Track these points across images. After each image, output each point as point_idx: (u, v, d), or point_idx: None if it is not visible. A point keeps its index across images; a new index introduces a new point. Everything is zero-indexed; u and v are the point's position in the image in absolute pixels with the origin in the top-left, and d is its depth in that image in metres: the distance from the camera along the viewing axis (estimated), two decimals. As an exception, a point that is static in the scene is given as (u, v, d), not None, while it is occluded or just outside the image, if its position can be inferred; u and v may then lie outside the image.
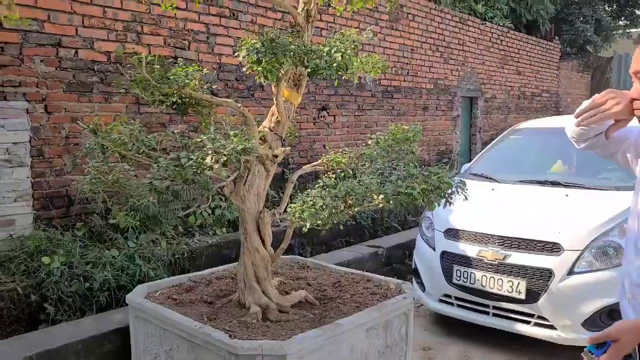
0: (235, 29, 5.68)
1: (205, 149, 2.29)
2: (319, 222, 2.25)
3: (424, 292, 4.42)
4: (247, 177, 2.82)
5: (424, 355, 4.01)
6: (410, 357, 2.99)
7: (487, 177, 4.79)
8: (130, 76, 2.62)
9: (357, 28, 7.43)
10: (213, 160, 2.24)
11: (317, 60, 2.46)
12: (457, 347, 4.16)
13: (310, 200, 2.33)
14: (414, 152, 3.01)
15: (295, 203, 2.39)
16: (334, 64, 2.42)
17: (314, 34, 3.02)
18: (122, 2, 4.59)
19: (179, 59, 5.11)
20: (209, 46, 5.43)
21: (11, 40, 3.93)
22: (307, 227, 2.29)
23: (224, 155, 2.30)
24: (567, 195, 4.20)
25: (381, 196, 2.28)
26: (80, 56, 4.34)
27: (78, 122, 3.03)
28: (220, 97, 5.45)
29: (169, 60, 4.97)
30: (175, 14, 4.98)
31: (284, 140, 3.06)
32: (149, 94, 2.62)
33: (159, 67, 2.57)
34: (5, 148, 3.94)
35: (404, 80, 8.42)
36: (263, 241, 2.87)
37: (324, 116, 6.95)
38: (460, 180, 2.47)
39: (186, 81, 2.54)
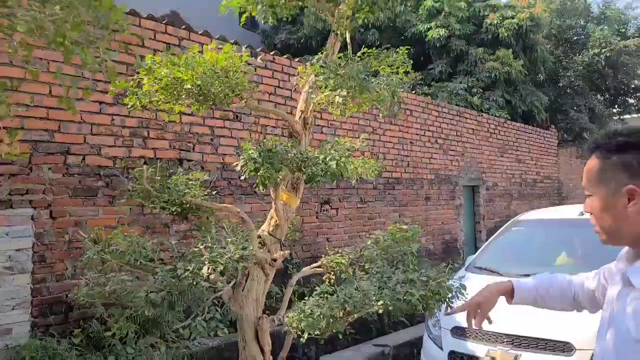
0: (239, 130, 5.89)
1: (202, 258, 2.30)
2: (317, 332, 2.20)
3: (434, 395, 4.21)
4: (245, 282, 2.80)
5: None
6: None
7: (491, 271, 4.72)
8: (132, 187, 2.68)
9: (356, 124, 7.71)
10: (209, 270, 2.24)
11: (313, 168, 2.53)
12: None
13: (308, 309, 2.29)
14: (413, 253, 3.00)
15: (293, 312, 2.35)
16: (329, 172, 2.48)
17: (314, 132, 3.13)
18: (129, 111, 4.80)
19: (183, 161, 5.29)
20: (213, 147, 5.60)
21: (21, 151, 4.07)
22: (305, 337, 2.24)
23: (221, 264, 2.30)
24: (574, 289, 4.11)
25: (380, 302, 2.24)
26: (87, 162, 4.48)
27: (79, 231, 3.06)
28: (223, 194, 5.55)
29: (173, 163, 5.12)
30: (180, 119, 5.20)
31: (283, 243, 3.07)
32: (150, 203, 2.67)
33: (159, 177, 2.64)
34: (7, 255, 3.96)
35: (405, 172, 8.56)
36: (262, 350, 2.79)
37: (326, 210, 7.00)
38: (461, 284, 2.44)
39: (186, 191, 2.60)
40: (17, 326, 3.98)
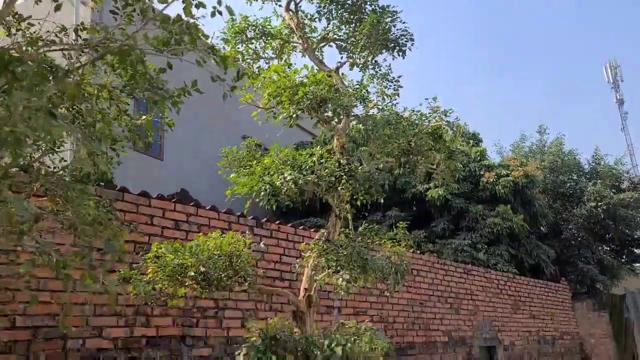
0: (244, 300, 5.80)
1: None
2: None
3: None
4: None
5: None
6: None
7: None
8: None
9: (363, 287, 7.61)
10: None
11: (318, 354, 2.44)
12: None
13: None
14: None
15: None
16: (335, 358, 2.38)
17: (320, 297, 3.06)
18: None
19: (186, 338, 5.13)
20: (217, 320, 5.47)
21: (21, 338, 3.98)
22: None
23: None
24: None
25: None
26: (87, 345, 4.34)
27: None
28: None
29: (176, 341, 4.96)
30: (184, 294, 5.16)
31: None
32: None
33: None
34: None
35: (417, 335, 8.23)
36: None
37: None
38: None
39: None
40: None
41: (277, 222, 6.75)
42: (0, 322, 3.90)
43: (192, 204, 5.72)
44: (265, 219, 6.57)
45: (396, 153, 3.44)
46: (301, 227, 7.07)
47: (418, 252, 9.49)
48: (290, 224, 6.86)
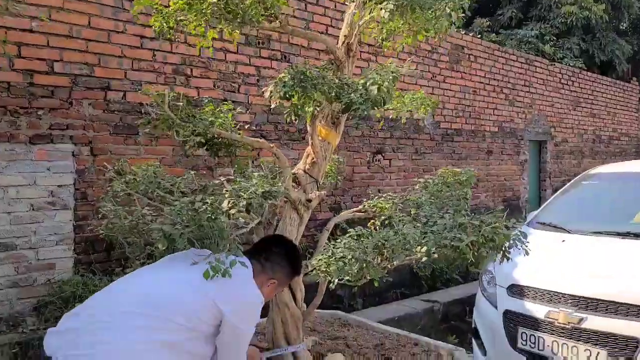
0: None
1: (223, 192, 2.07)
2: (347, 277, 1.93)
3: (484, 356, 3.90)
4: (276, 224, 2.57)
5: None
6: None
7: (557, 227, 4.27)
8: (155, 115, 2.47)
9: (415, 69, 7.20)
10: (230, 204, 2.00)
11: (352, 95, 2.21)
12: None
13: (339, 252, 2.02)
14: (466, 198, 2.65)
15: (322, 255, 2.09)
16: (370, 98, 2.15)
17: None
18: (172, 45, 4.59)
19: (228, 102, 5.07)
20: (259, 89, 5.34)
21: (61, 84, 3.97)
22: (334, 283, 1.98)
23: (244, 198, 2.06)
24: (654, 249, 3.62)
25: (422, 248, 1.94)
26: (128, 99, 4.34)
27: (105, 163, 2.92)
28: (270, 139, 5.32)
29: (217, 103, 4.92)
30: (225, 58, 4.95)
31: (320, 184, 2.80)
32: (174, 133, 2.45)
33: (182, 103, 2.40)
34: (49, 191, 3.93)
35: (466, 123, 8.02)
36: (294, 296, 2.57)
37: (379, 160, 6.66)
38: (521, 231, 2.09)
39: (211, 119, 2.34)
40: (60, 262, 3.98)
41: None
42: (38, 66, 3.86)
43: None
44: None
45: None
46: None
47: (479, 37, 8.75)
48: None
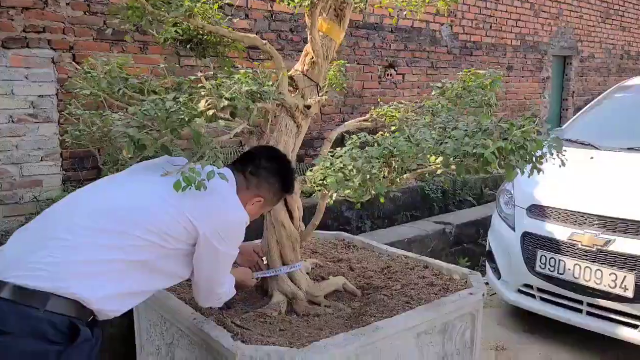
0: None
1: (202, 91, 1.73)
2: (348, 191, 1.62)
3: (499, 279, 3.68)
4: (271, 133, 2.24)
5: (496, 357, 3.31)
6: (475, 369, 2.33)
7: (584, 144, 3.91)
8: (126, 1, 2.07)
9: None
10: (208, 105, 1.66)
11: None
12: (537, 348, 3.43)
13: (339, 162, 1.70)
14: (491, 104, 2.29)
15: (319, 165, 1.77)
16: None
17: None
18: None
19: (224, 6, 4.59)
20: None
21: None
22: (333, 198, 1.67)
23: (226, 99, 1.71)
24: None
25: (438, 157, 1.61)
26: (113, 0, 3.90)
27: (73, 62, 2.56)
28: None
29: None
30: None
31: (320, 88, 2.44)
32: (147, 25, 2.07)
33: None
34: (30, 101, 3.60)
35: (486, 35, 7.42)
36: (291, 215, 2.29)
37: (391, 74, 6.19)
38: (555, 137, 1.74)
39: (188, 3, 1.94)
40: (47, 178, 3.73)
41: None
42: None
43: None
44: None
45: None
46: None
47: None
48: None
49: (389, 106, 2.57)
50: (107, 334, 2.65)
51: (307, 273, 2.47)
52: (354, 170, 1.61)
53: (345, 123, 2.50)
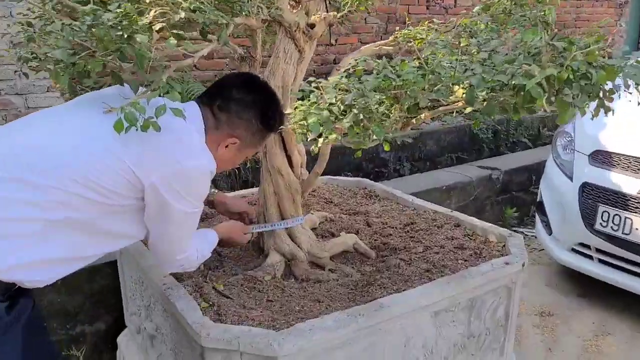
0: None
1: None
2: (334, 135, 1.20)
3: (550, 235, 3.21)
4: (267, 60, 1.82)
5: (541, 324, 2.90)
6: (510, 351, 1.94)
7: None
8: None
9: None
10: (155, 14, 1.26)
11: None
12: (590, 315, 2.98)
13: (329, 97, 1.27)
14: (548, 23, 1.75)
15: (305, 100, 1.34)
16: None
17: None
18: None
19: None
20: None
21: None
22: (319, 144, 1.26)
23: (183, 9, 1.30)
24: None
25: (459, 88, 1.15)
26: None
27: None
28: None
29: None
30: None
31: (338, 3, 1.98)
32: None
33: None
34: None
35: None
36: (290, 160, 1.90)
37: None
38: (635, 64, 1.23)
39: None
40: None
41: None
42: None
43: None
44: None
45: None
46: None
47: None
48: None
49: (420, 28, 2.08)
50: (97, 285, 2.43)
51: (314, 228, 2.11)
52: (342, 106, 1.18)
53: (362, 48, 2.03)
